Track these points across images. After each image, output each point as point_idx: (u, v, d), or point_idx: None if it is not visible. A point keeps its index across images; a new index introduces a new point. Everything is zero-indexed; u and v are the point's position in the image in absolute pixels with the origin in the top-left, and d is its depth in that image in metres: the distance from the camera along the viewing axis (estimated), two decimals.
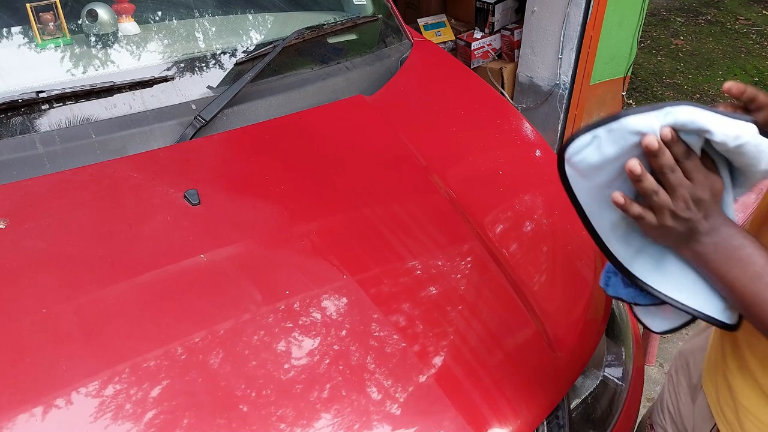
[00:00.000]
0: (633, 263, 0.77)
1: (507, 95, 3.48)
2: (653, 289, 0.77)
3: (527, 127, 1.58)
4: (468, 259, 1.17)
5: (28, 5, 1.32)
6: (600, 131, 0.70)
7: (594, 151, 0.71)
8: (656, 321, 0.86)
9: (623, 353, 1.28)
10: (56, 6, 1.35)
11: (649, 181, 0.68)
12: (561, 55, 3.08)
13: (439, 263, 1.14)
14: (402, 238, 1.17)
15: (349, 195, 1.25)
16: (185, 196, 1.17)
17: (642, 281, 0.77)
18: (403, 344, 0.99)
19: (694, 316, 0.79)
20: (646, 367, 1.39)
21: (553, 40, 3.09)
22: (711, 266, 0.73)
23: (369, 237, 1.16)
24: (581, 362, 1.09)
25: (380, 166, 1.34)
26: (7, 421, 0.82)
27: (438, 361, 0.98)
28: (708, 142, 0.68)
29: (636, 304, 0.84)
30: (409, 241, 1.17)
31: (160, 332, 0.95)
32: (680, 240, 0.72)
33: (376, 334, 1.00)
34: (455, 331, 1.02)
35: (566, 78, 3.12)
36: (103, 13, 1.41)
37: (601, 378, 1.20)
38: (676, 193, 0.69)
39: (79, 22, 1.42)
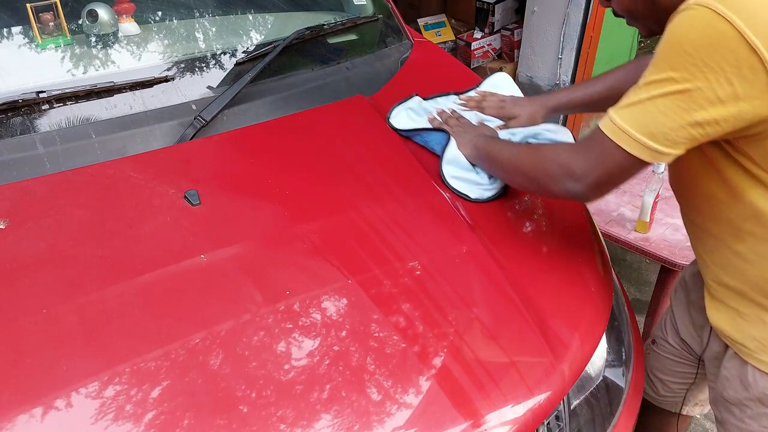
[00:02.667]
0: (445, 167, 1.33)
1: None
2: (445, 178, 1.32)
3: None
4: (468, 259, 1.17)
5: (28, 5, 1.32)
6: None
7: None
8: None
9: (623, 353, 1.28)
10: (56, 6, 1.35)
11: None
12: (561, 55, 3.09)
13: (439, 263, 1.14)
14: (402, 239, 1.17)
15: (349, 195, 1.25)
16: (185, 197, 1.17)
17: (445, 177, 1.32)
18: (403, 345, 0.99)
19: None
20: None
21: (553, 40, 3.09)
22: (486, 150, 1.26)
23: (369, 237, 1.16)
24: (581, 362, 1.09)
25: (380, 166, 1.35)
26: (7, 421, 0.82)
27: (438, 361, 0.98)
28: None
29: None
30: (409, 242, 1.17)
31: (161, 333, 0.95)
32: (474, 138, 1.31)
33: (376, 334, 1.00)
34: (455, 332, 1.02)
35: (566, 78, 3.12)
36: (103, 13, 1.41)
37: (601, 378, 1.20)
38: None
39: (80, 22, 1.42)
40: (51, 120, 1.25)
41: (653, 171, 2.01)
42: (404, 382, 0.94)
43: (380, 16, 1.78)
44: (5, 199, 1.12)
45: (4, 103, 1.21)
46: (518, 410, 0.96)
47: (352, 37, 1.72)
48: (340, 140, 1.40)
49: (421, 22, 3.63)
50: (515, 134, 1.37)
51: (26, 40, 1.37)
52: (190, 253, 1.07)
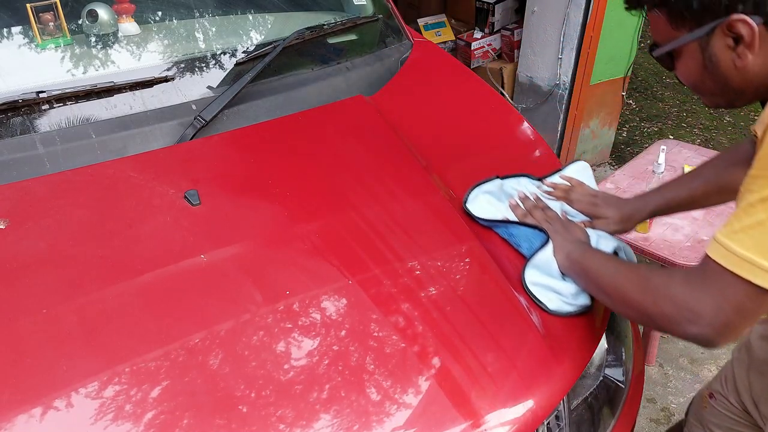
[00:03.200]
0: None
1: (507, 95, 3.47)
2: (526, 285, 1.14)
3: (527, 127, 1.58)
4: (468, 259, 1.17)
5: (28, 5, 1.32)
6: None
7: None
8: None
9: (623, 353, 1.28)
10: (56, 6, 1.35)
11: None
12: (561, 55, 3.08)
13: (439, 263, 1.14)
14: (402, 239, 1.17)
15: (349, 195, 1.25)
16: (185, 197, 1.17)
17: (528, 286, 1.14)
18: (403, 345, 0.99)
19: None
20: (646, 367, 1.39)
21: (553, 40, 3.09)
22: (583, 265, 1.08)
23: (369, 237, 1.16)
24: (581, 362, 1.08)
25: (380, 166, 1.34)
26: (7, 422, 0.82)
27: (437, 361, 0.98)
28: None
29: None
30: (408, 242, 1.17)
31: (160, 332, 0.95)
32: (566, 245, 1.14)
33: (376, 334, 1.00)
34: (454, 331, 1.02)
35: (566, 78, 3.12)
36: (103, 13, 1.41)
37: (601, 378, 1.20)
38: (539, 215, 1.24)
39: (79, 22, 1.42)
40: (51, 120, 1.25)
41: (653, 171, 2.01)
42: (404, 382, 0.94)
43: (380, 16, 1.78)
44: (5, 199, 1.12)
45: (4, 103, 1.21)
46: (518, 410, 0.96)
47: (352, 37, 1.72)
48: (340, 140, 1.40)
49: (421, 22, 3.63)
50: (602, 237, 1.20)
51: (26, 40, 1.37)
52: (190, 253, 1.07)
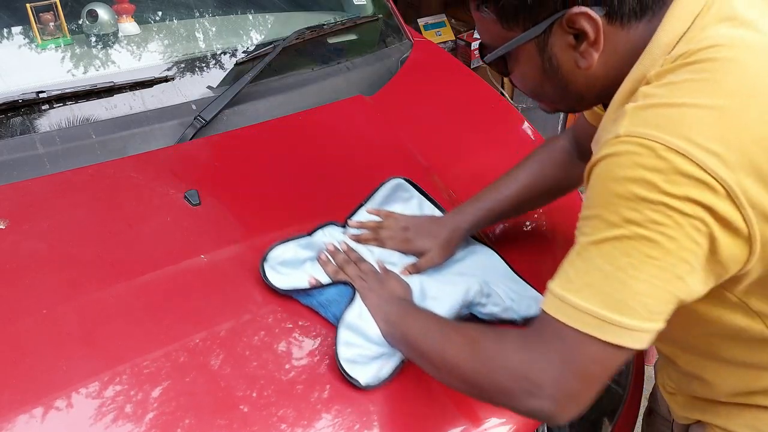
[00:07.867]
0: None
1: (507, 95, 3.47)
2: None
3: (527, 127, 1.58)
4: None
5: (28, 5, 1.32)
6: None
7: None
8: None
9: None
10: (56, 6, 1.35)
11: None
12: None
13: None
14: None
15: (350, 195, 1.25)
16: (185, 197, 1.17)
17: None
18: None
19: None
20: (646, 367, 1.39)
21: None
22: (403, 330, 0.91)
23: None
24: None
25: (381, 166, 1.34)
26: (7, 422, 0.82)
27: None
28: None
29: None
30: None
31: (161, 333, 0.95)
32: (383, 304, 0.95)
33: None
34: None
35: None
36: (103, 13, 1.41)
37: None
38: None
39: (79, 22, 1.42)
40: (51, 120, 1.25)
41: None
42: (405, 381, 0.94)
43: (380, 16, 1.78)
44: (5, 199, 1.12)
45: (4, 103, 1.21)
46: None
47: (352, 37, 1.72)
48: (340, 140, 1.40)
49: (421, 22, 3.63)
50: (431, 280, 1.02)
51: (26, 40, 1.37)
52: (190, 254, 1.07)
